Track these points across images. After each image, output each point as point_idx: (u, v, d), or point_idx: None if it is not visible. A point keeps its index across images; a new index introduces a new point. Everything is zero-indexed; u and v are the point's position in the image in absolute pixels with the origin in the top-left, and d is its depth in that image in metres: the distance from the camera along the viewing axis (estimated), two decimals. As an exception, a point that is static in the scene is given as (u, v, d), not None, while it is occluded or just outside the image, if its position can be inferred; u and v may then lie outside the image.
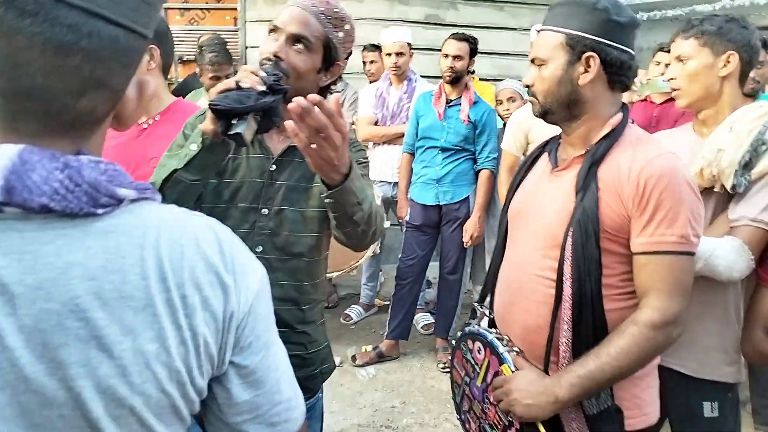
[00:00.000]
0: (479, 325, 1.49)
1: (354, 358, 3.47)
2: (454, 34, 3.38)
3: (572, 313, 1.29)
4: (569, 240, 1.29)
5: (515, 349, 1.38)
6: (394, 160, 3.77)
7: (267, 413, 0.71)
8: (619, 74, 1.34)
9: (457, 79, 3.32)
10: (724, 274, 1.48)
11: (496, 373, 1.38)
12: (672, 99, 3.38)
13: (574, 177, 1.35)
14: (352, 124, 4.09)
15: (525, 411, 1.29)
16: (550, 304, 1.33)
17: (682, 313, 1.28)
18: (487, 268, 1.76)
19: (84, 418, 0.57)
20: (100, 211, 0.58)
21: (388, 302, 3.84)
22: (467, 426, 1.54)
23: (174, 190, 1.23)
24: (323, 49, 1.31)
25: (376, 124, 3.86)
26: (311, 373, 1.41)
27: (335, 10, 1.31)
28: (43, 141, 0.57)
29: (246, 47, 5.07)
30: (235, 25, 5.18)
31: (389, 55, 3.70)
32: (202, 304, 0.63)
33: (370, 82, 4.18)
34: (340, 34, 1.33)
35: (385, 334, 3.55)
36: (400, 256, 3.57)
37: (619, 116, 1.37)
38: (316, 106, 1.01)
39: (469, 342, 1.48)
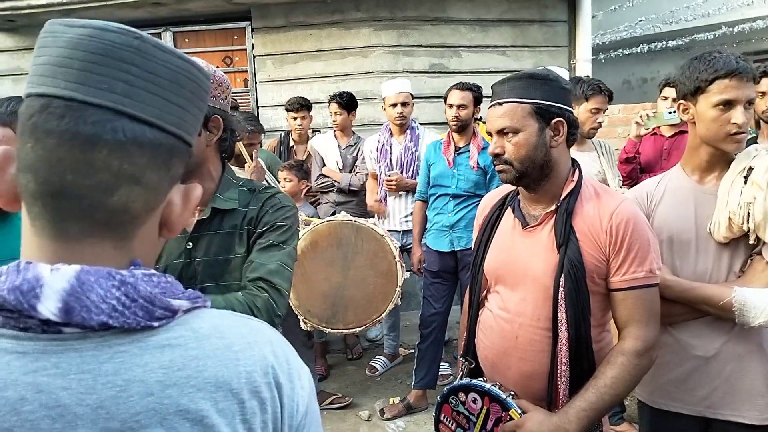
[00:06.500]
0: (469, 378, 1.59)
1: (382, 411, 3.43)
2: (457, 84, 3.44)
3: (570, 355, 1.44)
4: (561, 289, 1.43)
5: (511, 392, 1.47)
6: (402, 210, 3.83)
7: None
8: (573, 133, 1.53)
9: (463, 128, 3.38)
10: None
11: (498, 419, 1.47)
12: (682, 132, 3.45)
13: (549, 231, 1.51)
14: (367, 175, 4.17)
15: None
16: (547, 351, 1.48)
17: (657, 337, 1.48)
18: None
19: None
20: (156, 324, 0.59)
21: (412, 351, 3.81)
22: None
23: None
24: None
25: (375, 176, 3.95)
26: None
27: None
28: (84, 244, 0.59)
29: (258, 107, 5.22)
30: (246, 86, 5.34)
31: (394, 105, 3.77)
32: (260, 407, 0.63)
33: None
34: None
35: (412, 384, 3.52)
36: (422, 304, 3.57)
37: (578, 172, 1.55)
38: None
39: (461, 394, 1.56)
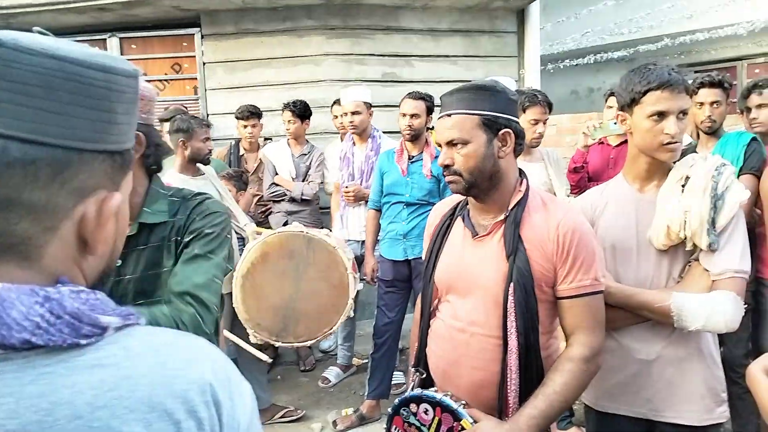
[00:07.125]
0: (420, 389, 1.58)
1: (335, 423, 3.39)
2: (410, 93, 3.45)
3: (519, 363, 1.46)
4: (511, 298, 1.45)
5: (463, 402, 1.47)
6: (361, 219, 3.81)
7: None
8: (520, 143, 1.56)
9: (416, 136, 3.40)
10: (726, 327, 1.53)
11: (450, 429, 1.46)
12: (627, 141, 3.55)
13: (498, 241, 1.53)
14: (321, 183, 4.14)
15: None
16: (497, 359, 1.49)
17: (603, 343, 1.52)
18: None
19: None
20: (83, 341, 0.56)
21: (365, 360, 3.78)
22: None
23: None
24: None
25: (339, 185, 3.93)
26: None
27: None
28: None
29: (207, 114, 5.12)
30: (196, 93, 5.24)
31: (346, 114, 3.77)
32: (197, 427, 0.59)
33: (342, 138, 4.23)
34: None
35: (366, 394, 3.49)
36: (375, 313, 3.55)
37: (525, 181, 1.58)
38: None
39: (412, 405, 1.55)
